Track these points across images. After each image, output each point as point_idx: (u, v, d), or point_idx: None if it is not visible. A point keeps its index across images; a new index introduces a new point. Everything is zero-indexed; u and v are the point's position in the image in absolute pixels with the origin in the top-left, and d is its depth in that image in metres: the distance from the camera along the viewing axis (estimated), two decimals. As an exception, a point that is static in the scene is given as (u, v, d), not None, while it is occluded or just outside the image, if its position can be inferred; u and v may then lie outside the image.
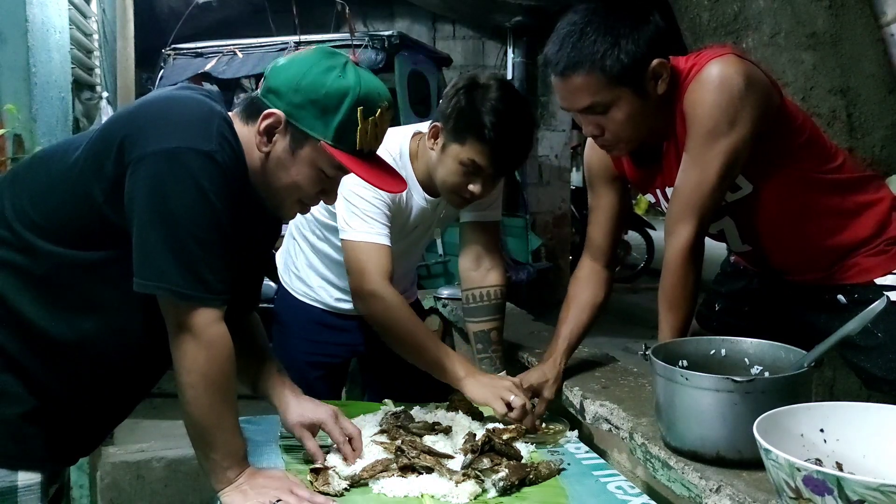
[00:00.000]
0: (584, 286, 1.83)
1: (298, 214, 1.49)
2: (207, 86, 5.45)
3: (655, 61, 1.51)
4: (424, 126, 1.87)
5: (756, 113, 1.50)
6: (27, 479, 1.30)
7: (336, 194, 1.46)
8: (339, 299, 2.03)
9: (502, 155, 1.72)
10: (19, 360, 1.30)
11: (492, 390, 1.67)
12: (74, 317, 1.32)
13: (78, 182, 1.29)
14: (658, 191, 1.72)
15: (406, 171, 1.87)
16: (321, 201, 1.45)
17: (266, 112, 1.33)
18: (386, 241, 1.78)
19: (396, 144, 1.85)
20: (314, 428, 1.50)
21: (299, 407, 1.52)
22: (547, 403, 1.75)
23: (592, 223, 1.85)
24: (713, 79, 1.49)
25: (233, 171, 1.28)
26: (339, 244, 1.85)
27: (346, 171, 1.39)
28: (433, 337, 1.80)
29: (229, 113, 1.37)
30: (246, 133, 1.35)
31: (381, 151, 1.45)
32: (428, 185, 1.89)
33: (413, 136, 1.88)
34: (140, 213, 1.23)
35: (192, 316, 1.25)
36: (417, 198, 1.90)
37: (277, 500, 1.30)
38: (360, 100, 1.33)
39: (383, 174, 1.43)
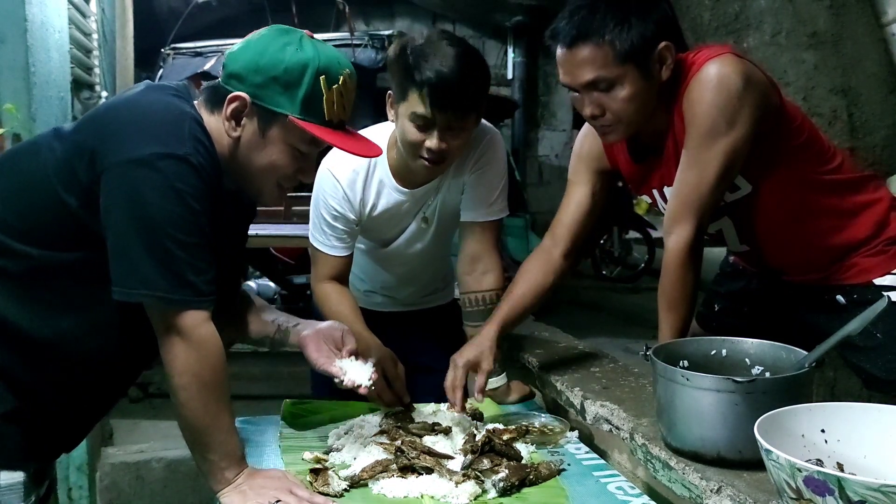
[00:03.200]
0: (535, 268, 1.81)
1: None
2: (206, 84, 5.45)
3: (662, 44, 1.51)
4: None
5: (755, 112, 1.50)
6: (9, 478, 1.30)
7: (313, 171, 1.47)
8: (367, 292, 2.09)
9: (440, 96, 1.64)
10: None
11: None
12: (52, 315, 1.31)
13: (50, 186, 1.28)
14: (655, 191, 1.72)
15: (381, 161, 1.85)
16: (299, 181, 1.45)
17: (230, 96, 1.33)
18: (337, 252, 1.90)
19: (378, 136, 1.81)
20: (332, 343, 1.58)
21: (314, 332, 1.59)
22: (487, 375, 1.69)
23: (562, 209, 1.82)
24: (711, 78, 1.49)
25: (208, 171, 1.28)
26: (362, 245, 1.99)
27: (320, 144, 1.39)
28: (356, 322, 1.84)
29: (195, 102, 1.36)
30: (214, 123, 1.35)
31: None
32: (401, 175, 1.86)
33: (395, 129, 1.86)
34: (118, 222, 1.23)
35: (180, 319, 1.25)
36: (391, 190, 1.87)
37: (277, 501, 1.29)
38: (321, 69, 1.33)
39: (355, 142, 1.44)
